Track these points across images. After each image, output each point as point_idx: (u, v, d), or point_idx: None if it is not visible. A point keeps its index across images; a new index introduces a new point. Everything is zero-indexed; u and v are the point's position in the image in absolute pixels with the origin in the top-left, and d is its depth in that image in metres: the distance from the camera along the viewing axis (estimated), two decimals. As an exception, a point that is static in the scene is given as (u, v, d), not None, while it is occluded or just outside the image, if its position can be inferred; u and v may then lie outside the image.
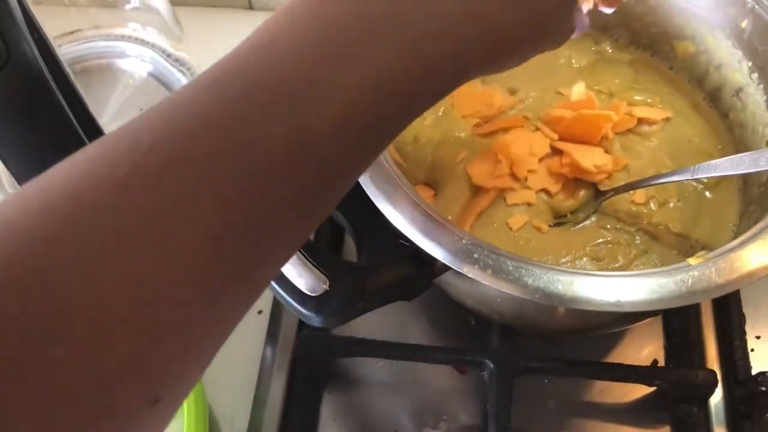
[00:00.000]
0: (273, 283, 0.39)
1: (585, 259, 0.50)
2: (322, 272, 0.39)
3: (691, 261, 0.39)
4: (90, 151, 0.22)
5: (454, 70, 0.28)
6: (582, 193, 0.52)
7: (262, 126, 0.23)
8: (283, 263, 0.26)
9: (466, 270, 0.38)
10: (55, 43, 0.62)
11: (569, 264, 0.49)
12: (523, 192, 0.52)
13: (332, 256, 0.40)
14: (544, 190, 0.53)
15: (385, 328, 0.57)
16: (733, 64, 0.52)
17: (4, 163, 0.37)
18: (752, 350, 0.55)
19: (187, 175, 0.21)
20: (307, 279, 0.38)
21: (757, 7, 0.49)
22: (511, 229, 0.51)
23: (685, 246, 0.50)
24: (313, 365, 0.54)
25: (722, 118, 0.55)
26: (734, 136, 0.54)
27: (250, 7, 0.76)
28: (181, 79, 0.61)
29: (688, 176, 0.46)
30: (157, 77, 0.62)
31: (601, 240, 0.50)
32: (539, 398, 0.54)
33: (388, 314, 0.58)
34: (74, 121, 0.38)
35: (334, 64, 0.24)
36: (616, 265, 0.49)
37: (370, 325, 0.57)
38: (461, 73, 0.28)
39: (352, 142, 0.25)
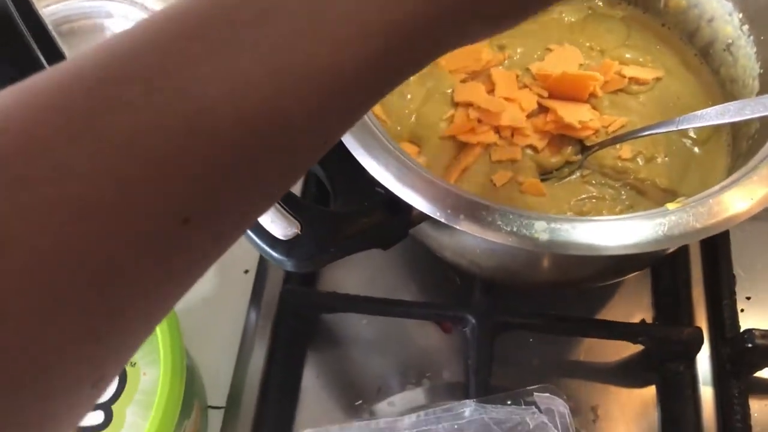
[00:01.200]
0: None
1: (569, 214, 0.49)
2: (294, 217, 0.38)
3: (670, 206, 0.38)
4: None
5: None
6: (568, 149, 0.52)
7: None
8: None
9: (439, 215, 0.38)
10: (39, 4, 0.62)
11: (553, 219, 0.48)
12: (509, 148, 0.51)
13: (305, 202, 0.39)
14: (530, 146, 0.52)
15: (370, 285, 0.57)
16: (723, 17, 0.51)
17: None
18: (742, 310, 0.54)
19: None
20: (279, 224, 0.38)
21: (747, -45, 0.47)
22: (495, 185, 0.50)
23: (672, 200, 0.49)
24: (296, 322, 0.54)
25: (713, 74, 0.54)
26: (725, 92, 0.53)
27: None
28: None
29: (672, 127, 0.46)
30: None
31: (585, 195, 0.50)
32: (523, 356, 0.54)
33: (374, 271, 0.58)
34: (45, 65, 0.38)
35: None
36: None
37: (355, 282, 0.57)
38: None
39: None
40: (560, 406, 0.38)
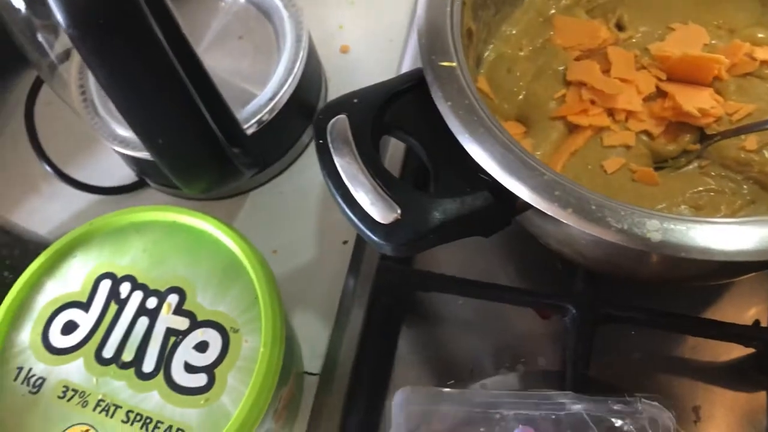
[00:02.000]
0: (346, 209, 0.39)
1: (683, 206, 0.46)
2: (394, 201, 0.38)
3: (799, 211, 0.35)
4: None
5: None
6: (686, 137, 0.49)
7: None
8: None
9: (545, 207, 0.37)
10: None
11: (665, 211, 0.46)
12: (622, 133, 0.49)
13: (405, 185, 0.39)
14: (645, 132, 0.49)
15: (469, 266, 0.56)
16: None
17: (95, 77, 0.38)
18: None
19: None
20: (379, 207, 0.38)
21: None
22: (606, 171, 0.48)
23: (800, 198, 0.46)
24: (392, 297, 0.55)
25: None
26: None
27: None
28: (277, 2, 0.61)
29: (807, 120, 0.42)
30: (254, 3, 0.63)
31: (702, 188, 0.47)
32: (624, 349, 0.52)
33: (473, 252, 0.57)
34: (163, 41, 0.39)
35: None
36: (718, 215, 0.46)
37: (452, 260, 0.56)
38: None
39: None
40: (667, 419, 0.37)
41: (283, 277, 0.59)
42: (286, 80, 0.59)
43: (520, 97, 0.52)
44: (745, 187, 0.46)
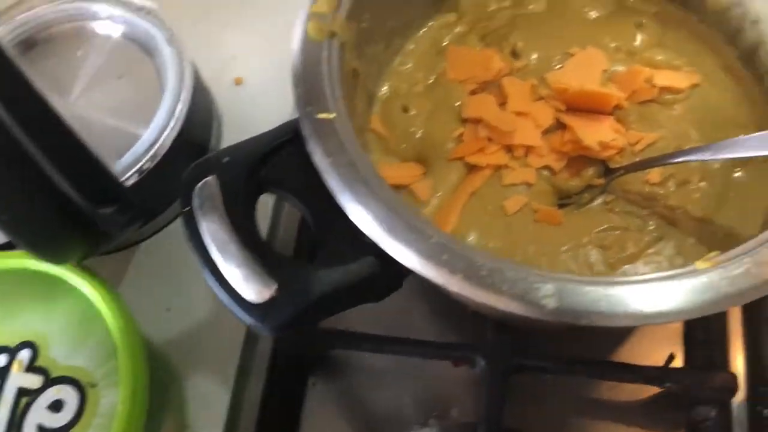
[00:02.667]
0: (217, 286, 0.35)
1: (589, 247, 0.44)
2: (270, 275, 0.34)
3: (699, 264, 0.33)
4: None
5: None
6: (589, 171, 0.46)
7: None
8: None
9: (433, 275, 0.33)
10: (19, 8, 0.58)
11: (570, 254, 0.43)
12: (522, 170, 0.46)
13: (283, 257, 0.35)
14: (547, 167, 0.47)
15: (378, 315, 0.52)
16: (771, 19, 0.45)
17: None
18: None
19: None
20: (253, 284, 0.34)
21: (799, -49, 0.41)
22: (506, 212, 0.45)
23: (706, 232, 0.44)
24: (295, 356, 0.51)
25: (758, 82, 0.47)
26: (771, 103, 0.46)
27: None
28: (156, 35, 0.56)
29: (708, 155, 0.40)
30: (131, 38, 0.58)
31: (608, 225, 0.44)
32: (540, 395, 0.50)
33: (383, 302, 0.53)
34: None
35: None
36: (625, 254, 0.43)
37: (360, 312, 0.52)
38: None
39: None
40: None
41: (178, 336, 0.54)
42: (168, 122, 0.54)
43: (418, 136, 0.49)
44: (651, 223, 0.44)
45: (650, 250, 0.43)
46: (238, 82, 0.64)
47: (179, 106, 0.54)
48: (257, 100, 0.63)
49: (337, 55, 0.41)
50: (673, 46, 0.50)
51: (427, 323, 0.52)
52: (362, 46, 0.46)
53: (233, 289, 0.34)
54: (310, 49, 0.40)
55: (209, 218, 0.36)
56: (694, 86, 0.48)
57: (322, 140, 0.37)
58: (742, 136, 0.39)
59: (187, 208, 0.36)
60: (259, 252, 0.35)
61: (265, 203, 0.53)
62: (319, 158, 0.37)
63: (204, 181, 0.37)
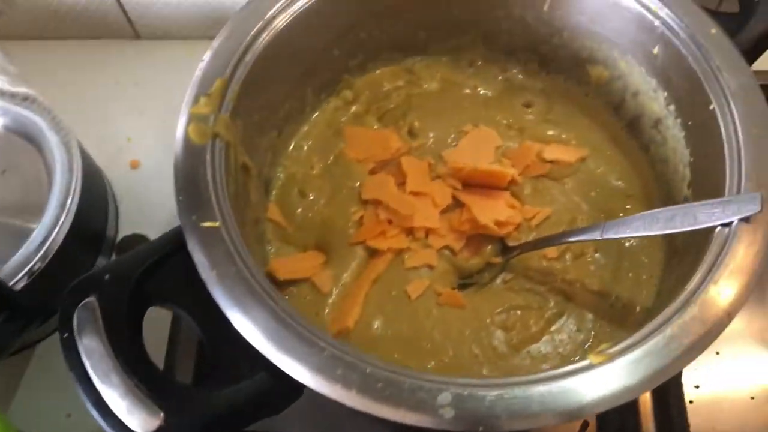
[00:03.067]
0: (100, 419, 0.33)
1: (492, 328, 0.44)
2: (156, 402, 0.32)
3: (593, 359, 0.33)
4: None
5: None
6: (488, 249, 0.47)
7: None
8: None
9: (328, 391, 0.32)
10: None
11: (474, 336, 0.43)
12: (424, 252, 0.46)
13: (170, 380, 0.34)
14: (447, 247, 0.47)
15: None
16: (648, 93, 0.46)
17: None
18: (690, 402, 0.50)
19: None
20: (138, 414, 0.32)
21: (666, 32, 0.42)
22: (410, 297, 0.45)
23: (604, 305, 0.44)
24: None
25: (643, 151, 0.49)
26: (656, 172, 0.48)
27: (137, 37, 0.69)
28: (41, 124, 0.54)
29: (596, 236, 0.41)
30: (13, 129, 0.55)
31: (509, 305, 0.45)
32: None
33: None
34: None
35: None
36: (528, 333, 0.44)
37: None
38: None
39: None
40: None
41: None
42: (59, 217, 0.51)
43: (317, 222, 0.48)
44: (551, 300, 0.45)
45: (552, 328, 0.44)
46: (134, 165, 0.62)
47: (70, 199, 0.52)
48: (155, 183, 0.62)
49: (223, 156, 0.40)
50: (562, 121, 0.51)
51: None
52: (253, 139, 0.45)
53: (119, 420, 0.32)
54: (192, 153, 0.39)
55: (90, 345, 0.34)
56: (583, 159, 0.49)
57: (207, 251, 0.36)
58: (627, 217, 0.40)
59: (66, 335, 0.34)
60: (146, 377, 0.33)
61: (163, 318, 0.50)
62: (205, 271, 0.35)
63: (83, 302, 0.35)
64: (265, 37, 0.43)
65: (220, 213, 0.37)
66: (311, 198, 0.49)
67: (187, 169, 0.38)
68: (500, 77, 0.53)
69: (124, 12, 0.66)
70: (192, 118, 0.40)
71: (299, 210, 0.48)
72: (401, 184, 0.48)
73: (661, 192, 0.47)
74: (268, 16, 0.44)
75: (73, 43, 0.68)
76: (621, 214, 0.47)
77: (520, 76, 0.53)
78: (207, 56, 0.42)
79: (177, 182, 0.38)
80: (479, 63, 0.53)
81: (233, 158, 0.41)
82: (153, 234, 0.58)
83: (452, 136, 0.51)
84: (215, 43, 0.43)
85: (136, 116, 0.65)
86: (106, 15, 0.66)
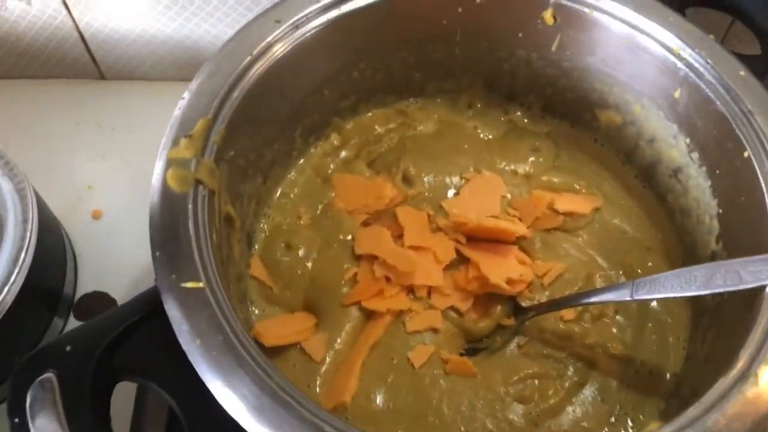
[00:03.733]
0: None
1: (508, 400, 0.39)
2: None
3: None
4: None
5: None
6: (497, 309, 0.42)
7: None
8: None
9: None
10: None
11: (488, 410, 0.38)
12: (427, 314, 0.41)
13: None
14: (453, 308, 0.42)
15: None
16: (667, 139, 0.43)
17: None
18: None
19: None
20: None
21: (691, 74, 0.39)
22: (414, 366, 0.40)
23: (629, 372, 0.40)
24: None
25: (659, 201, 0.45)
26: (675, 224, 0.44)
27: (102, 77, 0.64)
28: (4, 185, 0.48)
29: (626, 296, 0.36)
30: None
31: (525, 373, 0.40)
32: None
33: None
34: None
35: None
36: (547, 405, 0.39)
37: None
38: None
39: None
40: None
41: None
42: (11, 274, 0.45)
43: (306, 279, 0.43)
44: (570, 367, 0.40)
45: (573, 398, 0.39)
46: (96, 215, 0.57)
47: (23, 254, 0.46)
48: (119, 235, 0.56)
49: (207, 206, 0.35)
50: (571, 167, 0.48)
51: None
52: (237, 186, 0.40)
53: None
54: (171, 203, 0.34)
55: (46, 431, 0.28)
56: (597, 209, 0.45)
57: (189, 316, 0.31)
58: (660, 275, 0.35)
59: (16, 419, 0.28)
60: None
61: (128, 390, 0.44)
62: (187, 340, 0.30)
63: (40, 379, 0.29)
64: (255, 72, 0.38)
65: (203, 271, 0.32)
66: (299, 252, 0.44)
67: (166, 221, 0.33)
68: (503, 118, 0.49)
69: (89, 50, 0.61)
70: (171, 163, 0.35)
71: (286, 265, 0.43)
72: (398, 237, 0.44)
73: (683, 245, 0.43)
74: (256, 52, 0.39)
75: (30, 82, 0.63)
76: (639, 270, 0.43)
77: (525, 119, 0.50)
78: (186, 95, 0.38)
79: (153, 236, 0.33)
80: (478, 105, 0.50)
81: (217, 208, 0.36)
82: (116, 292, 0.52)
83: (451, 181, 0.46)
84: (195, 81, 0.38)
85: (98, 161, 0.59)
86: (68, 53, 0.61)
